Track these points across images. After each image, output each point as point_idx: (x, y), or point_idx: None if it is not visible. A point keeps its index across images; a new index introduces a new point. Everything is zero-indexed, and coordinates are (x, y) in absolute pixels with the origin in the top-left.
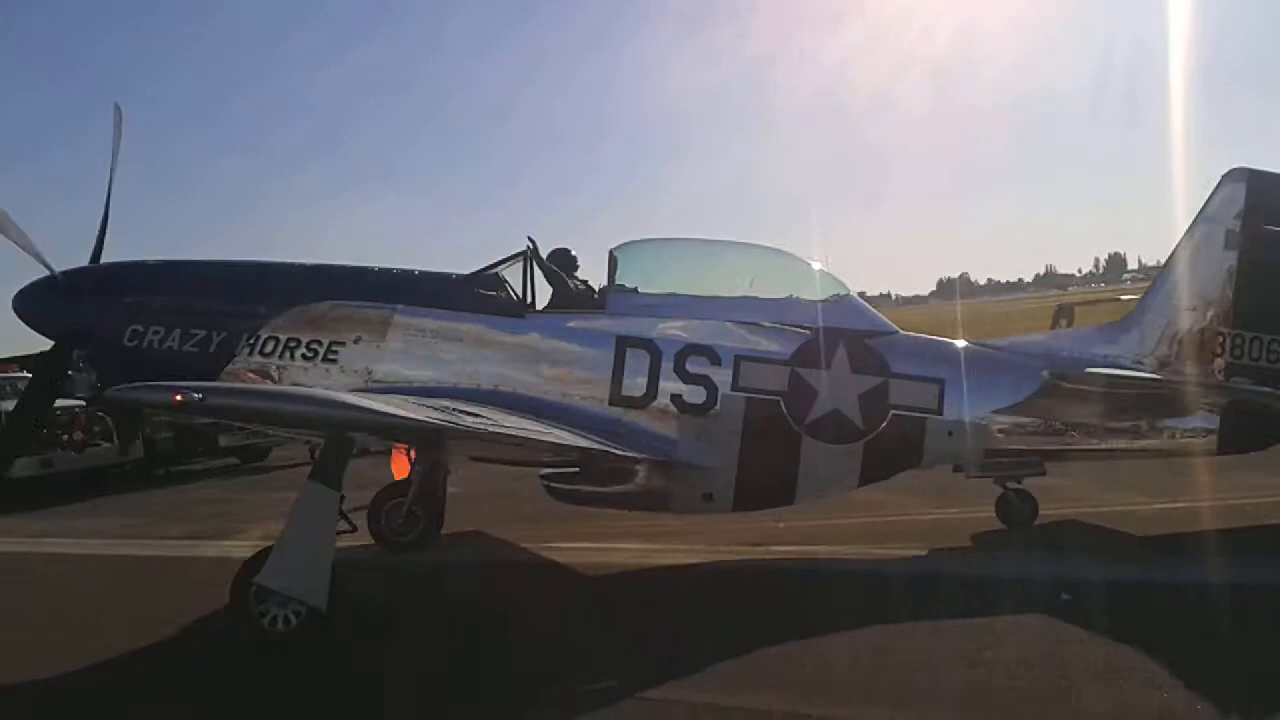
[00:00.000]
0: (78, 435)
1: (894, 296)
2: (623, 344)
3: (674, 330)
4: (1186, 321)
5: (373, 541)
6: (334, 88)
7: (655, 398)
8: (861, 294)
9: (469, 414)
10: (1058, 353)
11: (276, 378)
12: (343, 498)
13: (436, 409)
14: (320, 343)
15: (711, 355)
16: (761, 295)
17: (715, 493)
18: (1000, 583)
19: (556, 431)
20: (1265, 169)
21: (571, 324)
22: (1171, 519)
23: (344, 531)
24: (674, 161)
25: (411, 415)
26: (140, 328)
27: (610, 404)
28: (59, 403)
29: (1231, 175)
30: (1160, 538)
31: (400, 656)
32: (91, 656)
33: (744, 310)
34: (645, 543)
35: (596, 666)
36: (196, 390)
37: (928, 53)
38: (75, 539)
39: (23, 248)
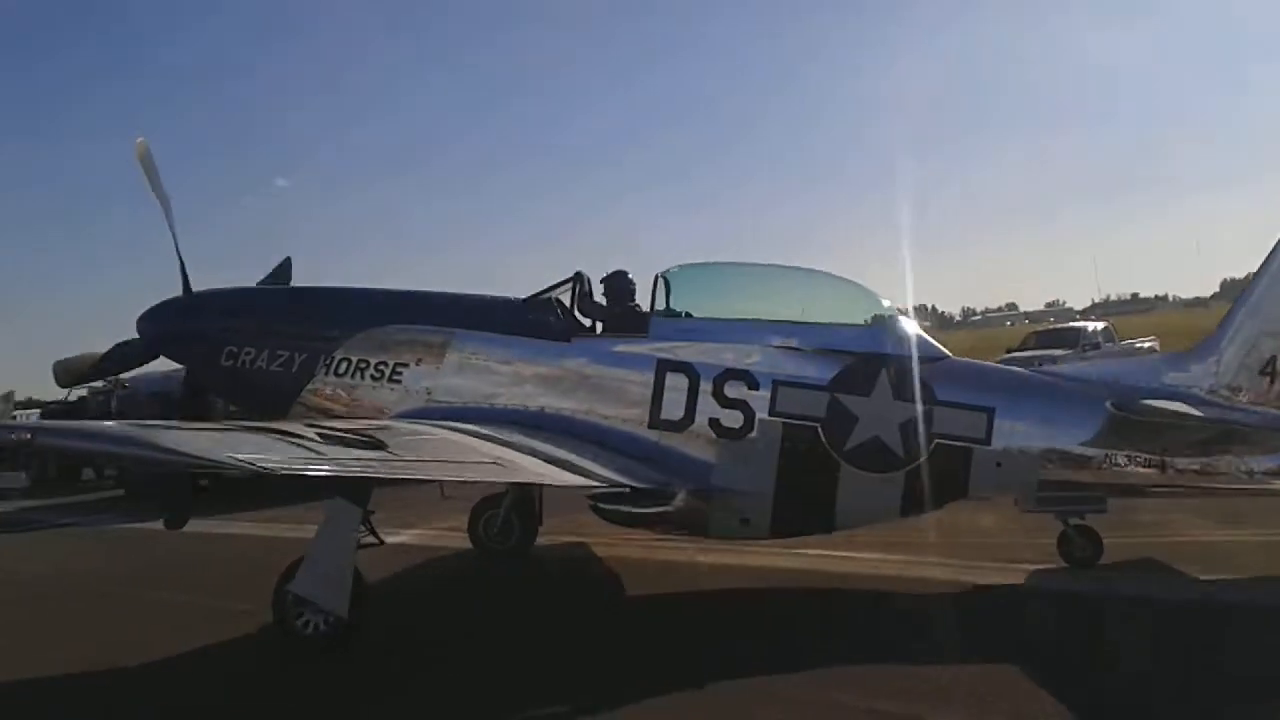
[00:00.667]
0: None
1: (1171, 299)
2: (663, 367)
3: (712, 354)
4: (1268, 348)
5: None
6: None
7: (693, 421)
8: (1135, 295)
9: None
10: (1123, 381)
11: (349, 397)
12: (370, 513)
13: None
14: (386, 364)
15: (749, 380)
16: (802, 319)
17: (752, 518)
18: None
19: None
20: None
21: (615, 348)
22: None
23: (368, 545)
24: None
25: (218, 457)
26: (235, 348)
27: (650, 427)
28: None
29: None
30: None
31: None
32: None
33: (784, 334)
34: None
35: None
36: (26, 430)
37: None
38: None
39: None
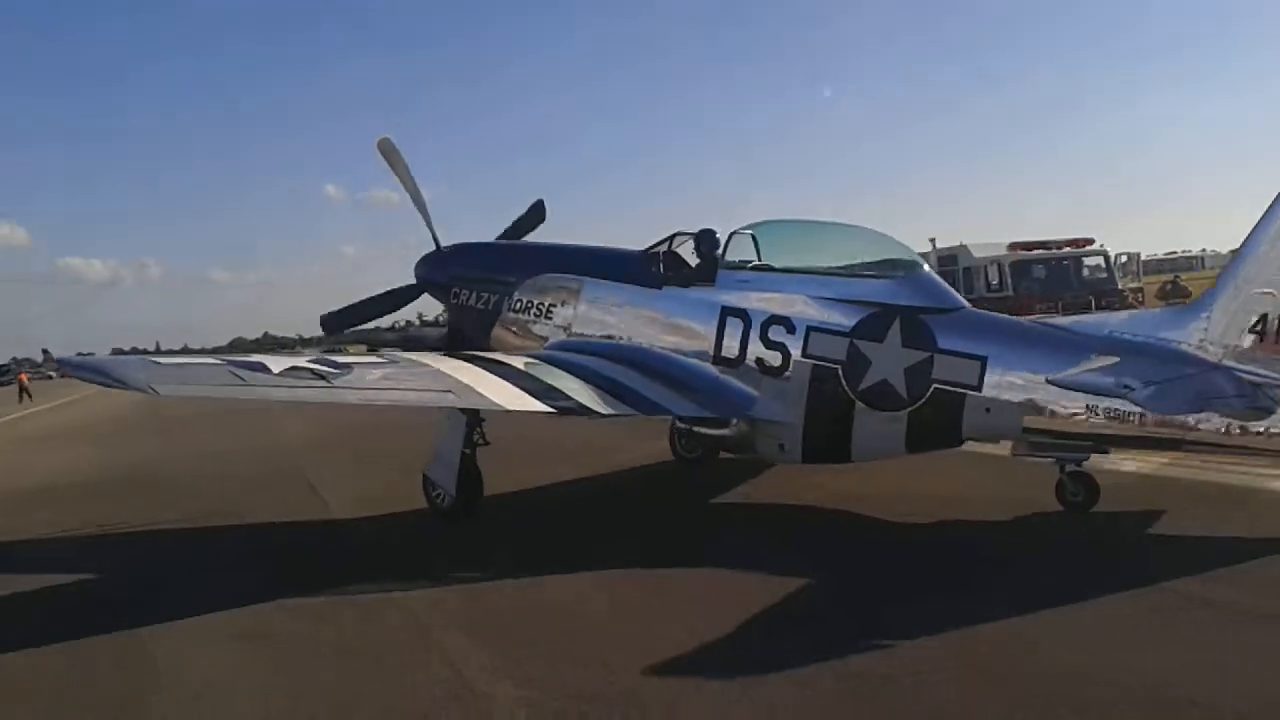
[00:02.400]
0: None
1: None
2: (725, 313)
3: (763, 302)
4: (1259, 306)
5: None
6: None
7: (745, 359)
8: None
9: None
10: (1118, 334)
11: (519, 331)
12: (482, 420)
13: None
14: (543, 304)
15: (789, 325)
16: (833, 271)
17: (787, 445)
18: None
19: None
20: None
21: (691, 294)
22: None
23: (479, 444)
24: None
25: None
26: (463, 292)
27: (713, 362)
28: None
29: None
30: None
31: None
32: None
33: (819, 285)
34: None
35: None
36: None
37: None
38: None
39: (415, 196)
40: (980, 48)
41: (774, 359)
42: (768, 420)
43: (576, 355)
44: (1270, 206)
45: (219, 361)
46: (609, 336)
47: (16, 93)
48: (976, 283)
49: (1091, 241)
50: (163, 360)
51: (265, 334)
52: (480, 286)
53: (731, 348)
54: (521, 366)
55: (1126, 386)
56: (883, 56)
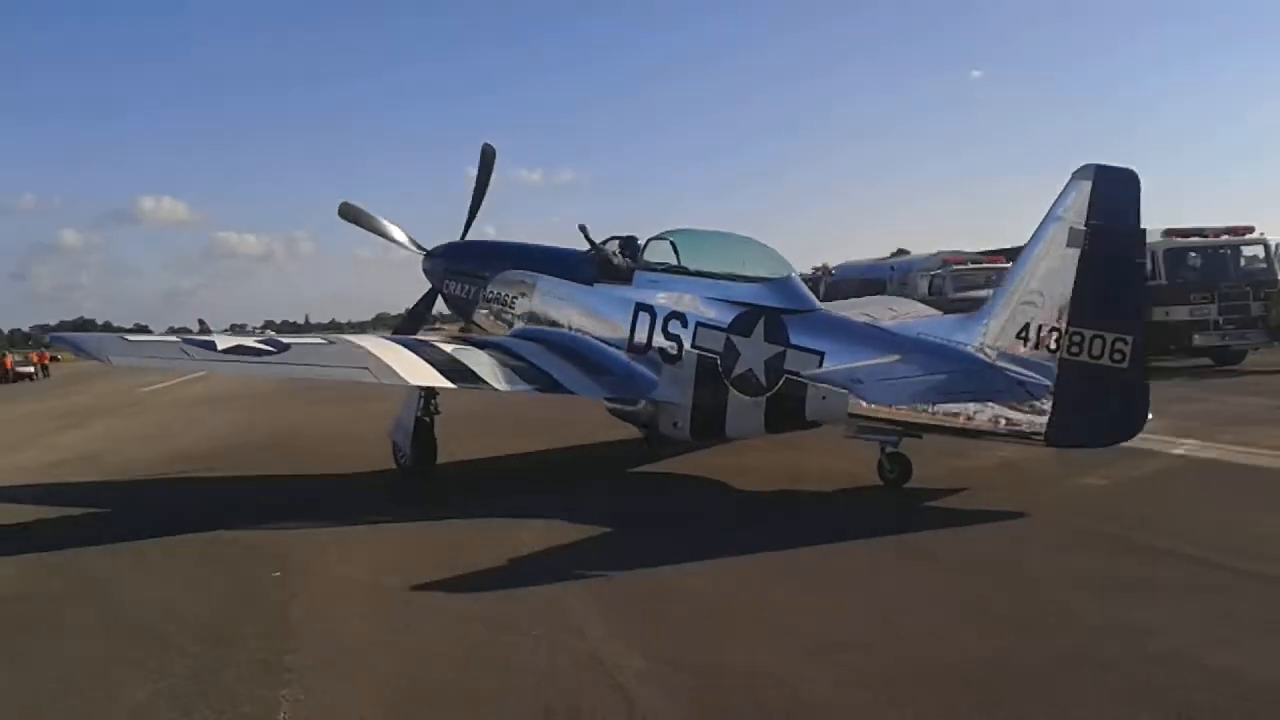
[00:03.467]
0: None
1: None
2: (637, 308)
3: (666, 300)
4: (1025, 316)
5: None
6: None
7: (649, 349)
8: None
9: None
10: (925, 336)
11: (492, 317)
12: (434, 395)
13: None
14: (508, 296)
15: (683, 320)
16: (720, 275)
17: (680, 423)
18: None
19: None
20: (1115, 165)
21: (613, 291)
22: None
23: (435, 414)
24: None
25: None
26: (452, 281)
27: (627, 350)
28: None
29: (1080, 173)
30: None
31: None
32: None
33: (708, 287)
34: None
35: None
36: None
37: None
38: None
39: (386, 236)
40: (1140, 28)
41: (671, 349)
42: (666, 401)
43: (515, 340)
44: (1040, 226)
45: (175, 339)
46: (555, 325)
47: (181, 78)
48: None
49: (1251, 229)
50: (130, 337)
51: (405, 310)
52: (464, 280)
53: (641, 338)
54: (449, 350)
55: (856, 381)
56: (1035, 40)
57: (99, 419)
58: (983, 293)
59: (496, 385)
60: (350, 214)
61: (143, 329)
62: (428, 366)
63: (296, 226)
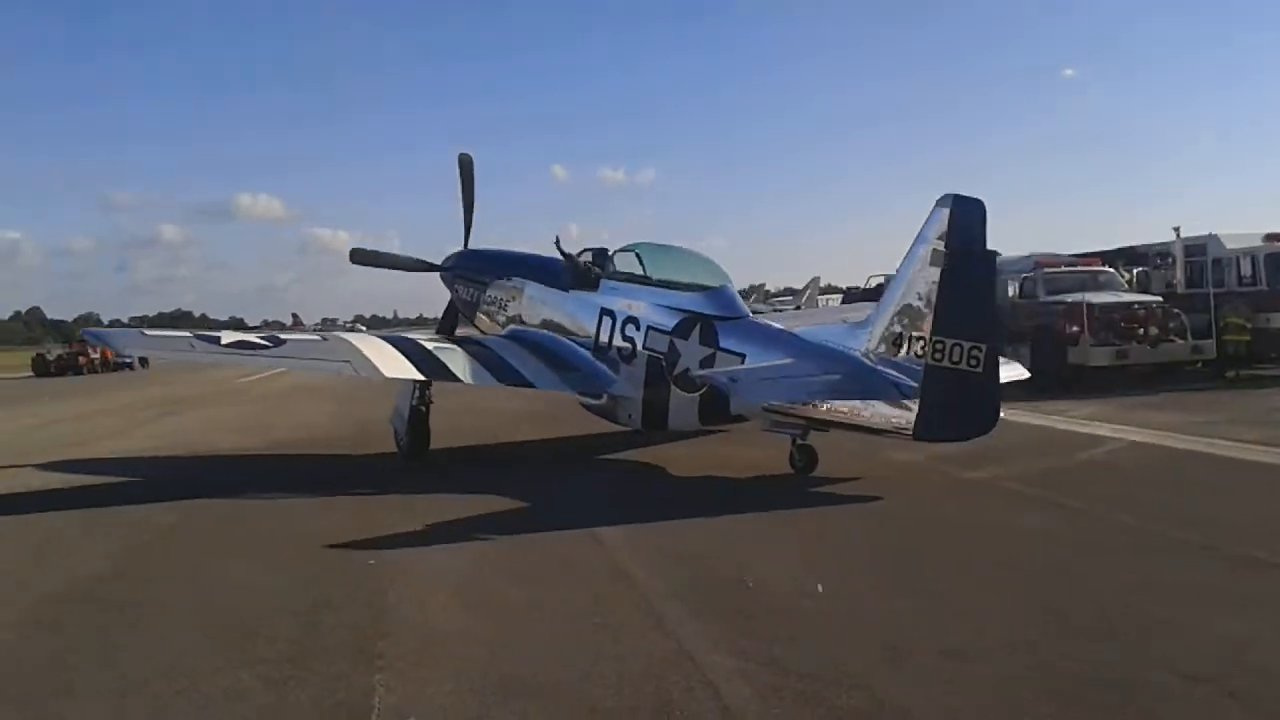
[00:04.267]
0: (1152, 330)
1: None
2: (601, 313)
3: (624, 306)
4: (898, 326)
5: None
6: None
7: (610, 349)
8: None
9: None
10: (829, 341)
11: (490, 318)
12: (427, 385)
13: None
14: (503, 299)
15: (637, 324)
16: (668, 284)
17: (633, 415)
18: None
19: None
20: (971, 195)
21: (584, 297)
22: None
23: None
24: None
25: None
26: (461, 284)
27: (593, 350)
28: (1137, 299)
29: (941, 201)
30: None
31: None
32: None
33: (659, 295)
34: None
35: None
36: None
37: None
38: (1133, 427)
39: (401, 267)
40: (1238, 32)
41: (627, 349)
42: (622, 396)
43: (497, 339)
44: (911, 246)
45: (187, 334)
46: (538, 326)
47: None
48: (1227, 275)
49: None
50: (148, 332)
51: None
52: (469, 284)
53: (604, 339)
54: (430, 347)
55: (731, 380)
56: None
57: (196, 408)
58: (1075, 297)
59: (465, 379)
60: (361, 258)
61: (237, 322)
62: (404, 361)
63: (387, 226)
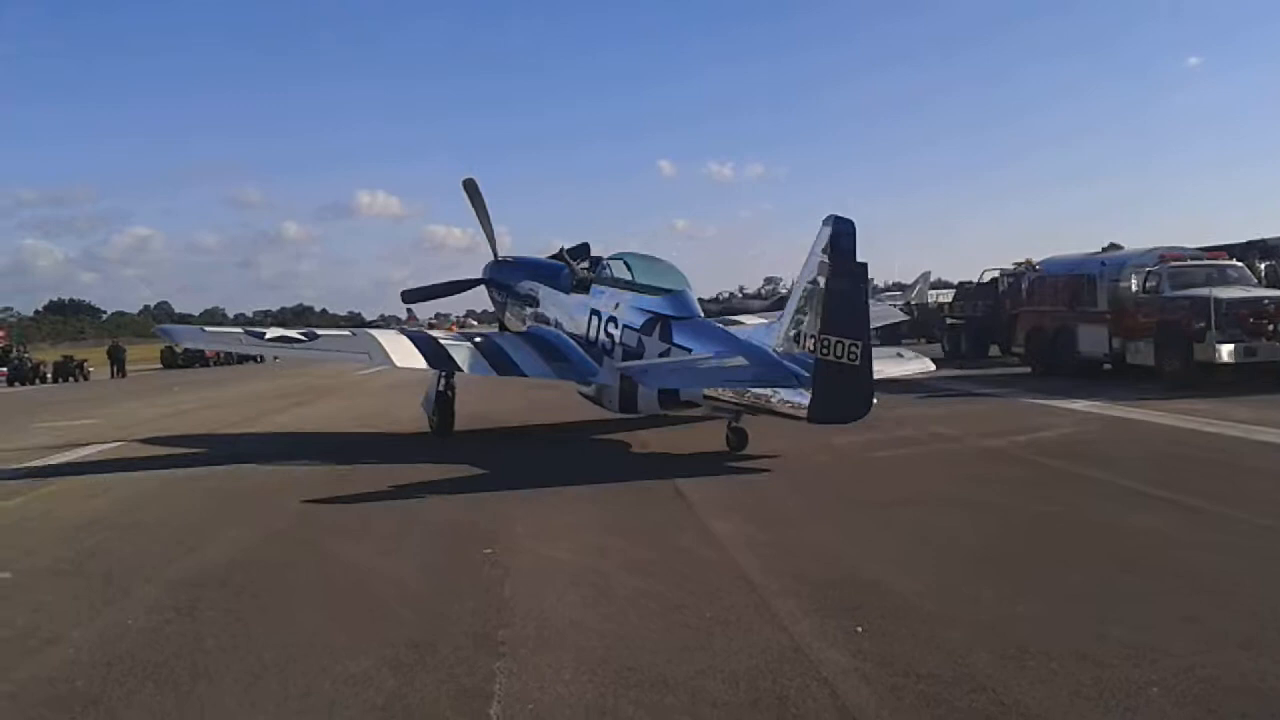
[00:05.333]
0: None
1: None
2: (591, 312)
3: (607, 306)
4: (795, 325)
5: None
6: None
7: (597, 343)
8: None
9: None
10: (753, 339)
11: (515, 317)
12: (450, 375)
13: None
14: (524, 300)
15: (615, 323)
16: (639, 288)
17: (613, 401)
18: None
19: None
20: (843, 216)
21: (579, 298)
22: None
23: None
24: None
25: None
26: (494, 290)
27: (585, 346)
28: (1267, 294)
29: (825, 220)
30: None
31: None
32: None
33: (633, 298)
34: None
35: None
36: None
37: None
38: (1265, 427)
39: (451, 292)
40: None
41: (608, 344)
42: (604, 384)
43: (502, 334)
44: (807, 257)
45: (239, 330)
46: (549, 324)
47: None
48: None
49: None
50: (207, 329)
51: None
52: (498, 289)
53: (592, 335)
54: (443, 342)
55: (644, 372)
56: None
57: (320, 399)
58: (1201, 292)
59: (465, 368)
60: (412, 297)
61: (355, 316)
62: (416, 353)
63: (499, 222)
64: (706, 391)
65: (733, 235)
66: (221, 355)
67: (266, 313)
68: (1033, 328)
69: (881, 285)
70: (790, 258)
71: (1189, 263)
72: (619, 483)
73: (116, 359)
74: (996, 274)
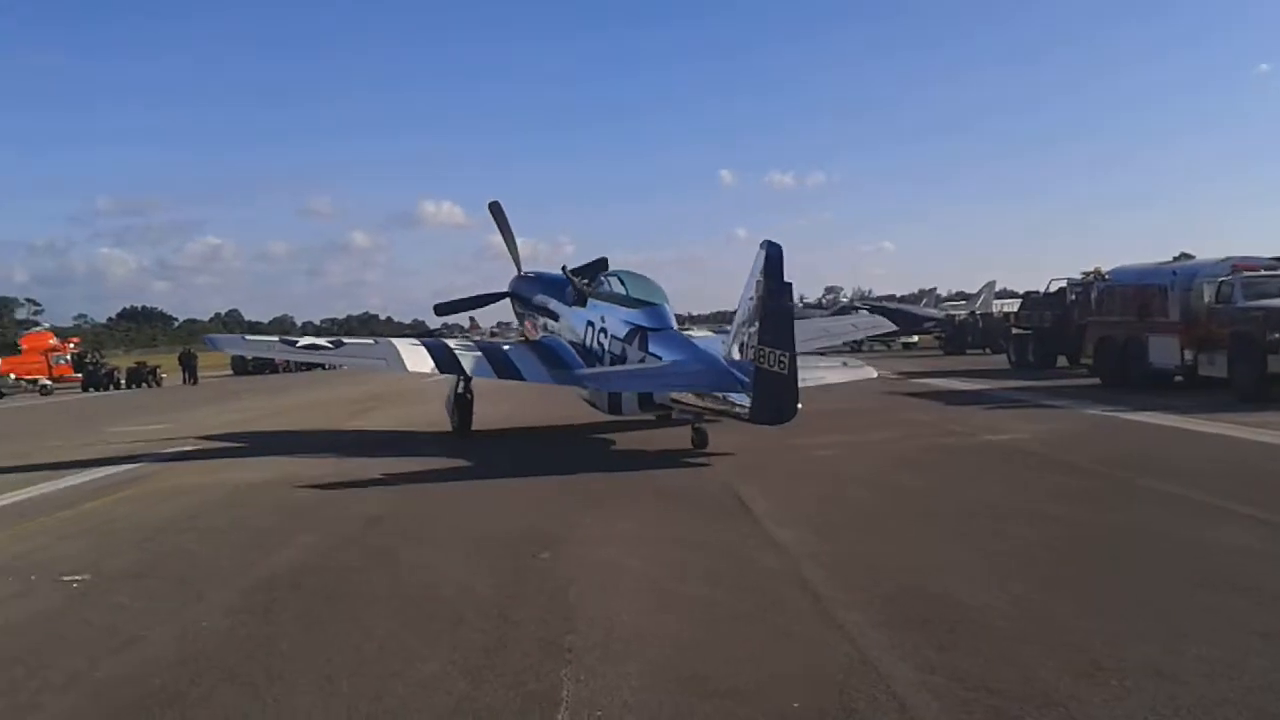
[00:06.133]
0: None
1: None
2: (587, 324)
3: (598, 318)
4: (741, 337)
5: None
6: None
7: (590, 351)
8: None
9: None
10: (708, 349)
11: (532, 326)
12: (469, 379)
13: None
14: (539, 312)
15: (605, 332)
16: (625, 302)
17: (602, 403)
18: None
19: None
20: (774, 240)
21: (581, 312)
22: None
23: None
24: None
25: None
26: (516, 302)
27: (583, 353)
28: None
29: (762, 244)
30: None
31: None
32: None
33: (619, 311)
34: None
35: None
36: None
37: None
38: None
39: (481, 304)
40: None
41: (599, 352)
42: (595, 388)
43: (511, 343)
44: (749, 277)
45: (274, 339)
46: (557, 335)
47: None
48: None
49: None
50: (248, 338)
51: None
52: (519, 301)
53: (588, 344)
54: (455, 349)
55: (594, 379)
56: None
57: (385, 407)
58: (1275, 302)
59: (469, 372)
60: (444, 310)
61: (419, 325)
62: (428, 359)
63: (559, 231)
64: (673, 396)
65: (792, 243)
66: (290, 363)
67: (333, 320)
68: (1102, 338)
69: (944, 294)
70: (850, 265)
71: (1263, 273)
72: (672, 483)
73: (188, 365)
74: (1064, 284)
